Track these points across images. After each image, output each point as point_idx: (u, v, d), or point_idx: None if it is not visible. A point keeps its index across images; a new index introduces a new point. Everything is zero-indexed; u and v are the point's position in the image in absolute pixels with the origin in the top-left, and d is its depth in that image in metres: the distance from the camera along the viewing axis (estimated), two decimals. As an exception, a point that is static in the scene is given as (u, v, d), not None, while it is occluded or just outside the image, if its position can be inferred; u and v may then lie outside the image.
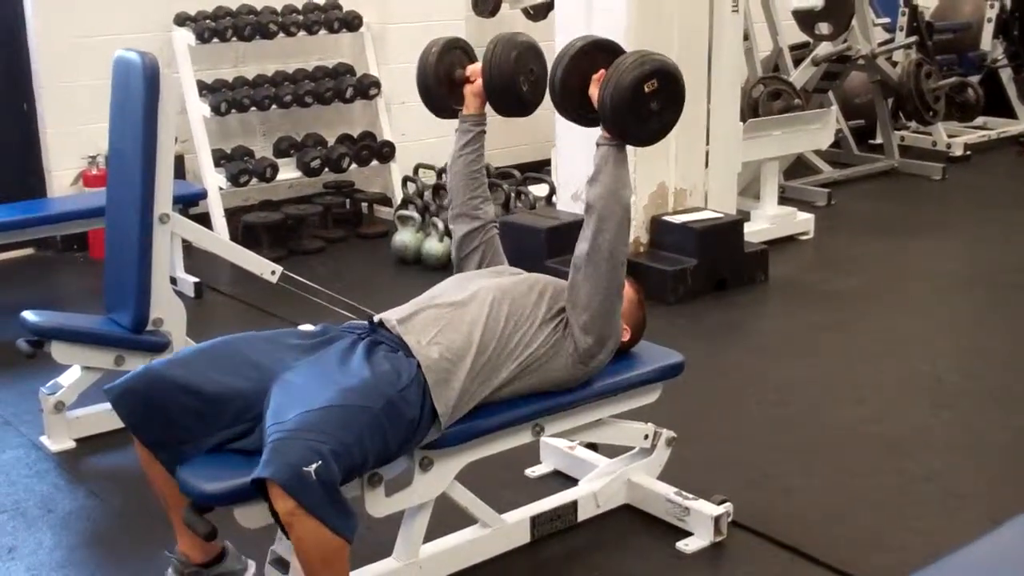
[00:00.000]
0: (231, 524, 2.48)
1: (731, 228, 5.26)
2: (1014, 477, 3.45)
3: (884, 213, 6.69)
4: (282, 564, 2.54)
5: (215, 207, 5.96)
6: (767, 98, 6.45)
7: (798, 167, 7.13)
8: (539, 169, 6.28)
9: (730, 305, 5.05)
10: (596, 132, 2.86)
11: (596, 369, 2.87)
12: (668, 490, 3.14)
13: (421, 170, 6.29)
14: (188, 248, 5.35)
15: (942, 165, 7.37)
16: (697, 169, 5.42)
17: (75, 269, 5.88)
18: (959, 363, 4.41)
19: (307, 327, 2.98)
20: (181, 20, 6.07)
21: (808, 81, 7.08)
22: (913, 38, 7.72)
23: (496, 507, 2.99)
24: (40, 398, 3.74)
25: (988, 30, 8.35)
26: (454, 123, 3.14)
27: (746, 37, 6.61)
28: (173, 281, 4.15)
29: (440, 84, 3.07)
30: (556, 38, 5.41)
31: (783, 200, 6.27)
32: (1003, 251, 5.83)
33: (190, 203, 5.35)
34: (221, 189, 6.01)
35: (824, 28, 6.83)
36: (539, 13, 6.83)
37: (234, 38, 6.14)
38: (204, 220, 5.64)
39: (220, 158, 6.13)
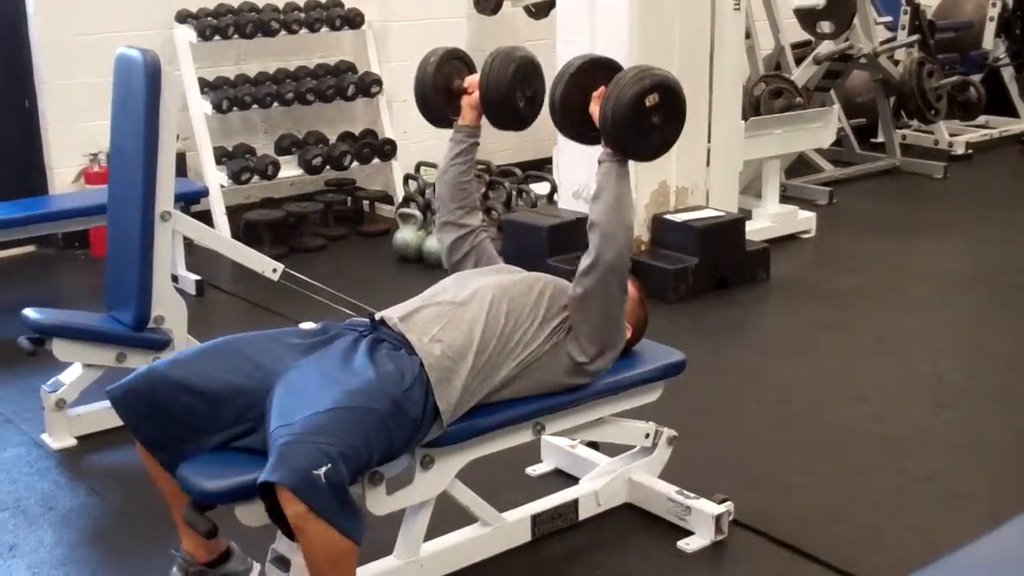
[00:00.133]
0: (232, 522, 2.48)
1: (732, 227, 5.26)
2: (1014, 477, 3.45)
3: (885, 212, 6.69)
4: (283, 562, 2.54)
5: (216, 205, 5.96)
6: (769, 96, 6.44)
7: (799, 166, 7.13)
8: (541, 167, 6.28)
9: (731, 304, 5.05)
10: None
11: (597, 374, 2.88)
12: (669, 489, 3.15)
13: (422, 168, 6.29)
14: (189, 246, 5.36)
15: (944, 164, 7.37)
16: (698, 167, 5.41)
17: (76, 267, 5.89)
18: (960, 362, 4.41)
19: (308, 325, 2.98)
20: (183, 17, 6.07)
21: (810, 79, 7.08)
22: (915, 37, 7.71)
23: (497, 506, 2.99)
24: (41, 396, 3.74)
25: (990, 29, 8.35)
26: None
27: (748, 35, 6.61)
28: (174, 279, 4.15)
29: (438, 93, 3.08)
30: (558, 36, 5.42)
31: (784, 199, 6.26)
32: (1005, 250, 5.83)
33: (192, 201, 5.35)
34: (222, 187, 6.01)
35: (826, 26, 6.82)
36: (541, 11, 6.83)
37: (236, 35, 6.14)
38: (206, 218, 5.64)
39: (221, 156, 6.14)
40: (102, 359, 3.69)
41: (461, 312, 2.70)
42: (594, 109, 2.81)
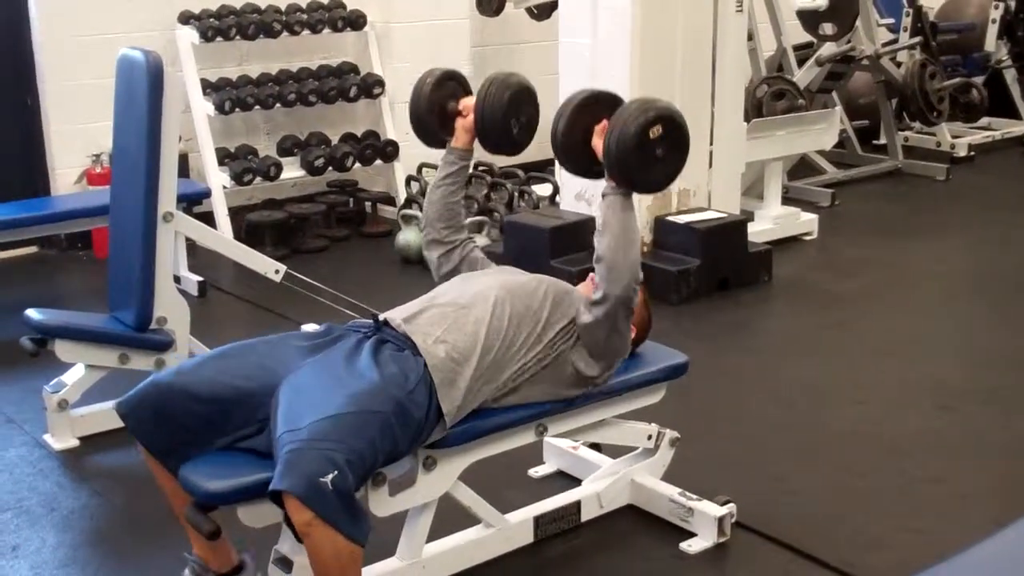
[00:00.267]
0: (235, 523, 2.48)
1: (735, 228, 5.26)
2: (1016, 478, 3.45)
3: (888, 214, 6.69)
4: (285, 563, 2.54)
5: (219, 206, 5.96)
6: (771, 98, 6.44)
7: (802, 167, 7.12)
8: (543, 169, 6.28)
9: (734, 305, 5.05)
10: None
11: (603, 383, 2.89)
12: (672, 491, 3.15)
13: (424, 169, 6.29)
14: (192, 247, 5.36)
15: (946, 166, 7.36)
16: (701, 169, 5.41)
17: (79, 267, 5.89)
18: (962, 364, 4.40)
19: (311, 327, 2.98)
20: (185, 19, 6.07)
21: (812, 81, 7.08)
22: (917, 39, 7.71)
23: (499, 507, 2.99)
24: (44, 396, 3.74)
25: (992, 31, 8.33)
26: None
27: (750, 37, 6.60)
28: (177, 280, 4.15)
29: (432, 115, 3.08)
30: (560, 37, 5.43)
31: (787, 200, 6.26)
32: (1007, 252, 5.83)
33: (194, 202, 5.34)
34: (225, 188, 6.01)
35: (828, 28, 6.82)
36: (543, 12, 6.82)
37: (238, 37, 6.14)
38: (208, 219, 5.64)
39: (224, 157, 6.14)
40: (104, 360, 3.70)
41: (465, 313, 2.70)
42: (596, 143, 2.82)
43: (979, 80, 8.04)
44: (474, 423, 2.68)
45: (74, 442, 3.73)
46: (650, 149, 2.72)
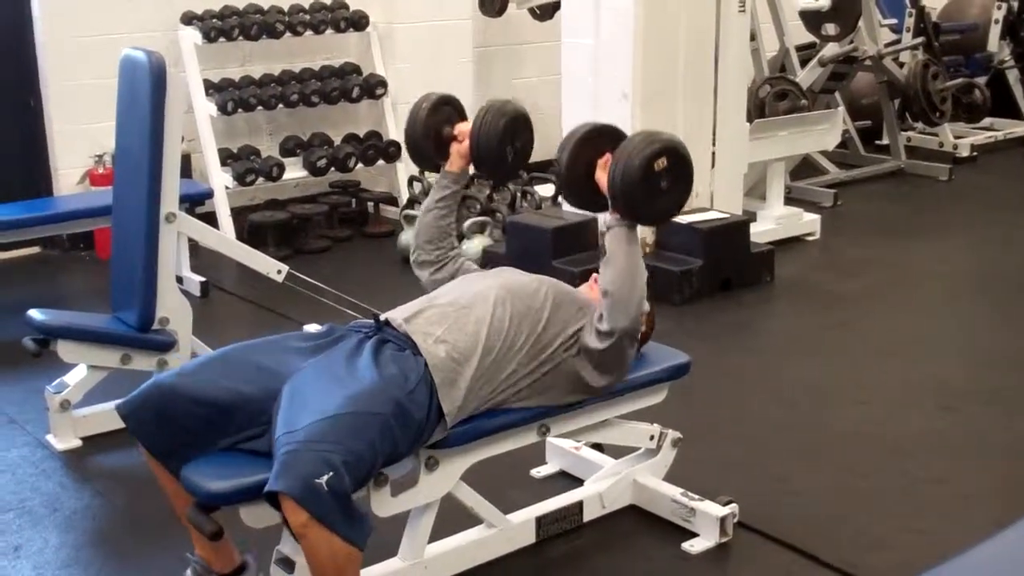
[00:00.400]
0: (237, 523, 2.48)
1: (737, 228, 5.26)
2: (1019, 479, 3.45)
3: (890, 214, 6.68)
4: (287, 564, 2.54)
5: (221, 206, 5.96)
6: (773, 98, 6.44)
7: (804, 168, 7.12)
8: (545, 169, 6.28)
9: (736, 305, 5.05)
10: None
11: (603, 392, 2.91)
12: (674, 491, 3.15)
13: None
14: (194, 247, 5.36)
15: (949, 166, 7.36)
16: (703, 169, 5.41)
17: (81, 268, 5.89)
18: (964, 365, 4.40)
19: (313, 327, 2.98)
20: (188, 19, 6.08)
21: (815, 82, 7.08)
22: (920, 39, 7.71)
23: (501, 507, 2.99)
24: (46, 397, 3.74)
25: (995, 31, 8.33)
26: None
27: (753, 37, 6.60)
28: (179, 280, 4.15)
29: (427, 139, 3.10)
30: (562, 38, 5.43)
31: (789, 201, 6.25)
32: (1009, 252, 5.83)
33: (196, 202, 5.34)
34: (227, 188, 6.02)
35: (831, 29, 6.82)
36: (546, 13, 6.82)
37: (241, 37, 6.14)
38: (210, 219, 5.64)
39: (226, 157, 6.14)
40: (107, 360, 3.70)
41: (466, 313, 2.70)
42: (600, 176, 2.84)
43: (982, 80, 8.03)
44: (476, 423, 2.68)
45: (76, 442, 3.74)
46: (655, 181, 2.73)
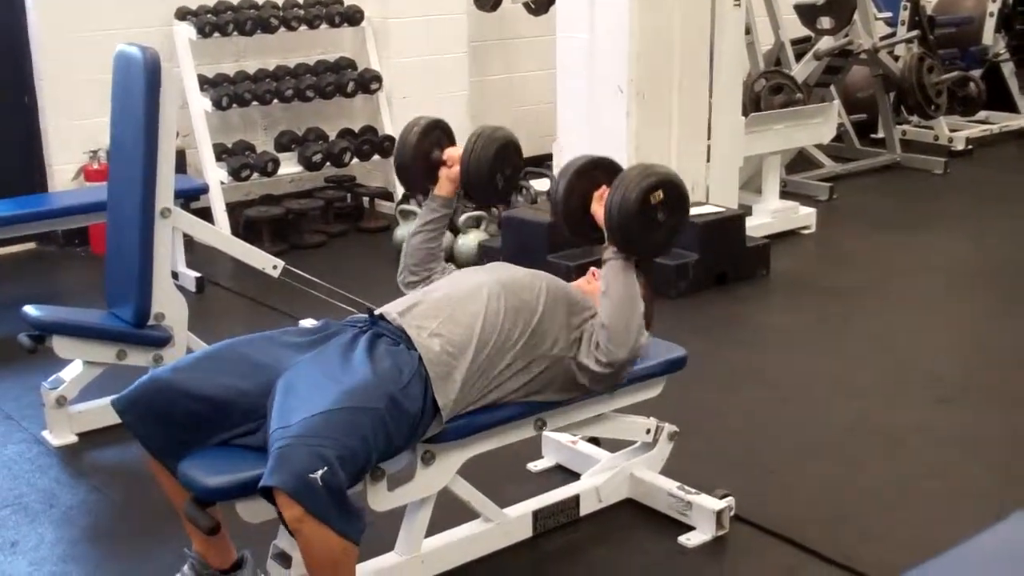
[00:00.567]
0: (234, 519, 2.48)
1: (733, 222, 5.26)
2: (1015, 473, 3.45)
3: (886, 207, 6.69)
4: (284, 559, 2.55)
5: (216, 201, 5.96)
6: (769, 92, 6.44)
7: (800, 161, 7.13)
8: (540, 163, 6.28)
9: (732, 299, 5.05)
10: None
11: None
12: (670, 484, 3.15)
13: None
14: (189, 243, 5.35)
15: (944, 159, 7.37)
16: (698, 163, 5.41)
17: (76, 264, 5.89)
18: (961, 358, 4.41)
19: (309, 322, 2.98)
20: (182, 14, 6.07)
21: (810, 75, 7.08)
22: (915, 32, 7.71)
23: (498, 501, 2.99)
24: (42, 393, 3.74)
25: (990, 24, 8.34)
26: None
27: (748, 31, 6.61)
28: (175, 276, 4.14)
29: (417, 162, 3.09)
30: (557, 32, 5.42)
31: (785, 194, 6.26)
32: (1005, 245, 5.83)
33: (191, 198, 5.33)
34: (222, 183, 6.01)
35: (826, 22, 6.82)
36: (540, 7, 6.80)
37: (235, 32, 6.13)
38: (205, 215, 5.64)
39: (221, 153, 6.13)
40: (103, 356, 3.69)
41: (461, 307, 2.70)
42: (596, 209, 2.85)
43: (977, 73, 8.05)
44: (472, 417, 2.68)
45: (72, 438, 3.73)
46: (652, 214, 2.74)
